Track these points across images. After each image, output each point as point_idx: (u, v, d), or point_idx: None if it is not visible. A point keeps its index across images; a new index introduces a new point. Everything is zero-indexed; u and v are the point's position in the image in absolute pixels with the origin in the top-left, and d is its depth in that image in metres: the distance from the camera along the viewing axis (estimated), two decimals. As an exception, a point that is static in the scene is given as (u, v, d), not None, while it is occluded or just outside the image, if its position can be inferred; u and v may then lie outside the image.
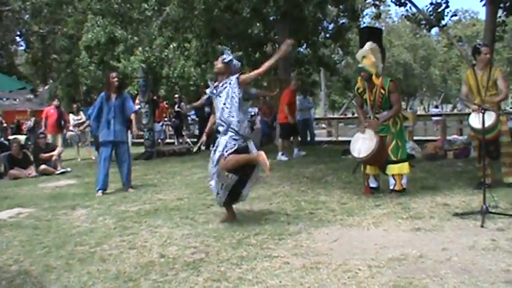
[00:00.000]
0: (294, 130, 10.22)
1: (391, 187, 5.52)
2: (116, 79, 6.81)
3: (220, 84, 4.49)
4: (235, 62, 4.57)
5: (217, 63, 4.56)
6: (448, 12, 10.17)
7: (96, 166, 10.58)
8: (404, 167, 5.49)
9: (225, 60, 4.50)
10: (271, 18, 14.46)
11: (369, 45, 5.51)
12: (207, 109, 12.95)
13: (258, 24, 15.29)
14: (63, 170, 9.66)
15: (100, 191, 6.66)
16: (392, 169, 5.48)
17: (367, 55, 5.43)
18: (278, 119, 10.65)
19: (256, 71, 4.65)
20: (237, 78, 4.43)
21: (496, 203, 4.62)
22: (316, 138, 14.42)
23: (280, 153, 9.81)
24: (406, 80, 43.51)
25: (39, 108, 19.14)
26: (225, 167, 4.34)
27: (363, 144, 5.45)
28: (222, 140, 4.43)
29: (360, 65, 5.49)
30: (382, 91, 5.43)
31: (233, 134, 4.39)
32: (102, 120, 6.76)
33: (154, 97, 14.84)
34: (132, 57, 20.97)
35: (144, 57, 20.53)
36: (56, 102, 12.60)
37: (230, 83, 4.43)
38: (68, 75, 26.01)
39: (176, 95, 16.73)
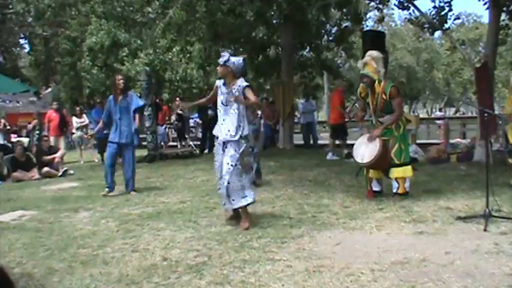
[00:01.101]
0: (344, 131, 10.74)
1: (394, 190, 5.52)
2: (121, 81, 6.85)
3: (233, 89, 4.58)
4: (232, 60, 4.61)
5: (218, 68, 4.73)
6: (451, 16, 10.16)
7: (98, 169, 10.67)
8: (407, 171, 5.48)
9: (221, 63, 4.61)
10: (274, 21, 14.49)
11: (369, 54, 5.57)
12: (210, 112, 12.95)
13: (261, 27, 15.31)
14: (64, 169, 9.68)
15: (106, 190, 6.78)
16: (396, 172, 5.47)
17: (368, 62, 5.48)
18: (330, 120, 10.99)
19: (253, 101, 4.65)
20: (244, 88, 4.53)
21: (499, 207, 4.62)
22: (319, 142, 14.42)
23: (330, 154, 10.25)
24: (409, 83, 43.38)
25: (43, 111, 19.19)
26: None
27: (366, 149, 5.44)
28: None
29: (362, 71, 5.52)
30: (384, 96, 5.43)
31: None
32: (113, 122, 6.88)
33: (157, 100, 14.87)
34: (136, 60, 21.00)
35: (148, 60, 20.55)
36: (55, 106, 12.55)
37: (239, 91, 4.55)
38: (71, 78, 26.08)
39: (178, 98, 16.74)
